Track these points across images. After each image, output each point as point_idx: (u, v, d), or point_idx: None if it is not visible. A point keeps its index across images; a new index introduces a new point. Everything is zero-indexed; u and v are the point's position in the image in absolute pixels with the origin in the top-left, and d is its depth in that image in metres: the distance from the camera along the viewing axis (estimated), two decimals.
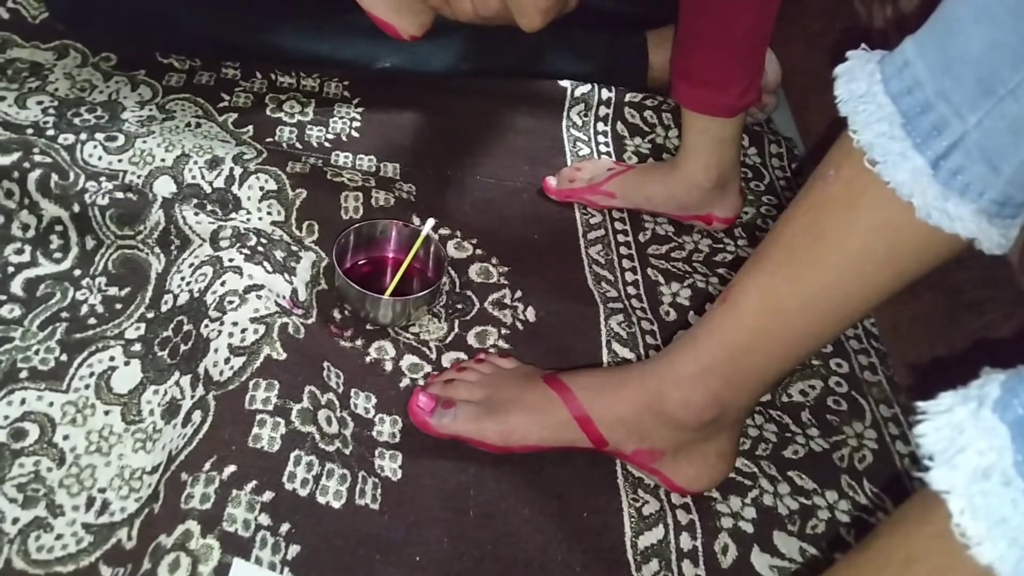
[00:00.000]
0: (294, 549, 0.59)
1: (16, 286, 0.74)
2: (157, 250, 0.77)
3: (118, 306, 0.75)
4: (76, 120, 0.90)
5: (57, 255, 0.77)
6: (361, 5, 0.77)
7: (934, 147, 0.49)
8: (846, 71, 0.54)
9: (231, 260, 0.74)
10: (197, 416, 0.64)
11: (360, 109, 1.02)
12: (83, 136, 0.87)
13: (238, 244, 0.76)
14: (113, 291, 0.75)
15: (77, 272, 0.77)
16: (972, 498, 0.37)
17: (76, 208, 0.78)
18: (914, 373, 0.85)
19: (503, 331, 0.81)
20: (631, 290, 0.89)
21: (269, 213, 0.84)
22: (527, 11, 0.65)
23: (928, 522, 0.41)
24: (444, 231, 0.89)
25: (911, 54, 0.50)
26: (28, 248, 0.77)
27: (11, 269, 0.75)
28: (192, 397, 0.66)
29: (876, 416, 0.82)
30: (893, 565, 0.42)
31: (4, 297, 0.73)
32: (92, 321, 0.73)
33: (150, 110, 0.94)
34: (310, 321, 0.74)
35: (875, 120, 0.51)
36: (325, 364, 0.71)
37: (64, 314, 0.73)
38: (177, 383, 0.68)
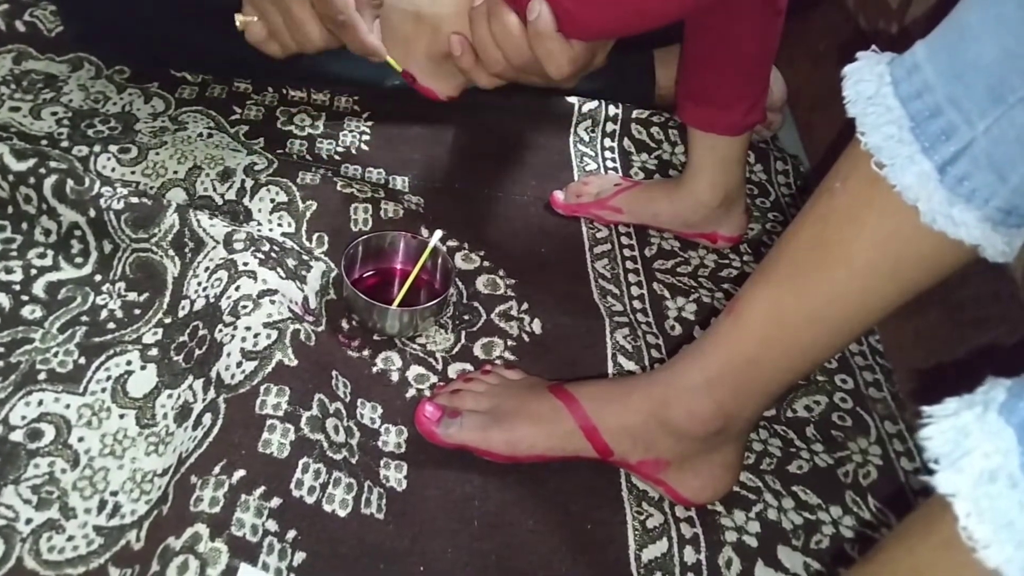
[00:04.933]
0: (300, 556, 0.59)
1: (39, 288, 0.75)
2: (171, 253, 0.78)
3: (137, 311, 0.75)
4: (90, 132, 0.91)
5: (78, 260, 0.78)
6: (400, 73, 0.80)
7: (942, 152, 0.49)
8: (854, 71, 0.53)
9: (245, 264, 0.74)
10: (207, 419, 0.64)
11: (370, 123, 1.03)
12: (96, 148, 0.88)
13: (252, 248, 0.76)
14: (132, 296, 0.76)
15: (98, 277, 0.77)
16: (978, 501, 0.37)
17: (92, 213, 0.78)
18: (919, 390, 0.85)
19: (509, 343, 0.81)
20: (637, 304, 0.89)
21: (279, 225, 0.85)
22: (556, 59, 0.68)
23: (933, 532, 0.41)
24: (452, 243, 0.90)
25: (921, 58, 0.50)
26: (51, 253, 0.78)
27: (34, 271, 0.76)
28: (204, 400, 0.67)
29: (881, 432, 0.82)
30: None
31: (26, 298, 0.74)
32: (111, 326, 0.74)
33: (163, 122, 0.95)
34: (320, 329, 0.74)
35: (883, 123, 0.51)
36: (333, 373, 0.71)
37: (84, 318, 0.74)
38: (190, 387, 0.69)
